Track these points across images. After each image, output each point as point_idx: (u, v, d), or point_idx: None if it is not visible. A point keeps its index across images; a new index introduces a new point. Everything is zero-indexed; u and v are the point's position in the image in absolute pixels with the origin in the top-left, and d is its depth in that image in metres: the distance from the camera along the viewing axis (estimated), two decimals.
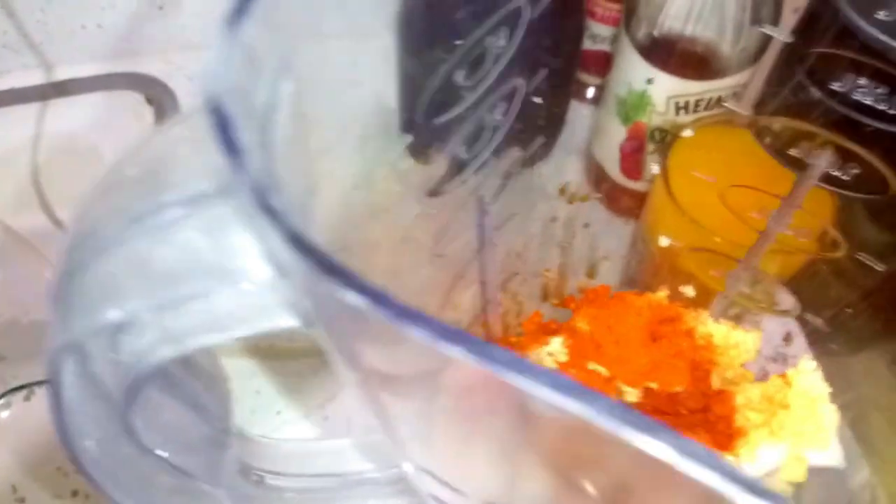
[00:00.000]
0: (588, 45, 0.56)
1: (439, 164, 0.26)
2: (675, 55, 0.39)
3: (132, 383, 0.18)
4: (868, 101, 0.30)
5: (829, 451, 0.37)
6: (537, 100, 0.32)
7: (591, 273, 0.42)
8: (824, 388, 0.37)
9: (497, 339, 0.40)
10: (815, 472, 0.38)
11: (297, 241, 0.13)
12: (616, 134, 0.43)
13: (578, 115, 0.50)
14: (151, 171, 0.17)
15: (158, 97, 0.69)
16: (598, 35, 0.55)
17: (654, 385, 0.38)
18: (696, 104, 0.41)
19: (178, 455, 0.24)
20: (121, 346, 0.18)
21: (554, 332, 0.41)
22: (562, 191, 0.37)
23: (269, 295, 0.16)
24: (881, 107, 0.30)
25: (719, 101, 0.41)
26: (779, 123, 0.34)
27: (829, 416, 0.37)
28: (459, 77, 0.24)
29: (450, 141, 0.26)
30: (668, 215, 0.39)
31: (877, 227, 0.35)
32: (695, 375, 0.38)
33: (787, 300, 0.39)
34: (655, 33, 0.40)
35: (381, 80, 0.22)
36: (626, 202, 0.44)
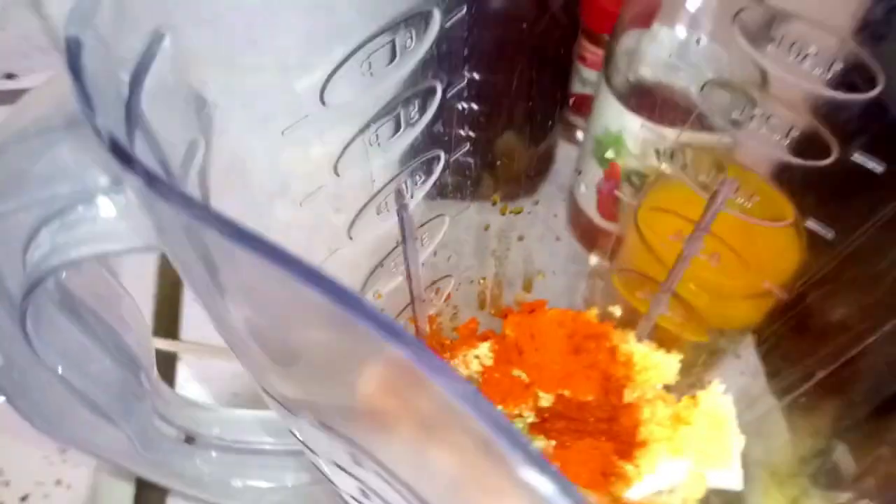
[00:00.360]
0: (578, 88, 0.59)
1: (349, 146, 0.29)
2: (647, 101, 0.41)
3: (28, 287, 0.21)
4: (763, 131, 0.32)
5: (730, 473, 0.38)
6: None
7: (528, 286, 0.45)
8: (731, 411, 0.39)
9: (426, 337, 0.42)
10: (717, 493, 0.39)
11: (120, 152, 0.16)
12: (594, 174, 0.45)
13: (569, 157, 0.52)
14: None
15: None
16: (587, 80, 0.58)
17: (566, 392, 0.40)
18: (674, 153, 0.39)
19: (87, 385, 0.27)
20: (26, 260, 0.21)
21: (485, 339, 0.43)
22: (494, 201, 0.40)
23: (130, 217, 0.19)
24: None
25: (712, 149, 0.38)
26: (690, 151, 0.36)
27: (733, 439, 0.38)
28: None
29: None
30: (631, 244, 0.41)
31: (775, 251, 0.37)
32: (606, 388, 0.40)
33: (703, 326, 0.41)
34: (630, 78, 0.42)
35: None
36: (601, 242, 0.47)
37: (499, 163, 0.40)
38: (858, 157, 0.29)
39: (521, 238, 0.41)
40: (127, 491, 0.49)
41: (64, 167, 0.19)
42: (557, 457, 0.37)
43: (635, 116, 0.42)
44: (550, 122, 0.48)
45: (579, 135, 0.58)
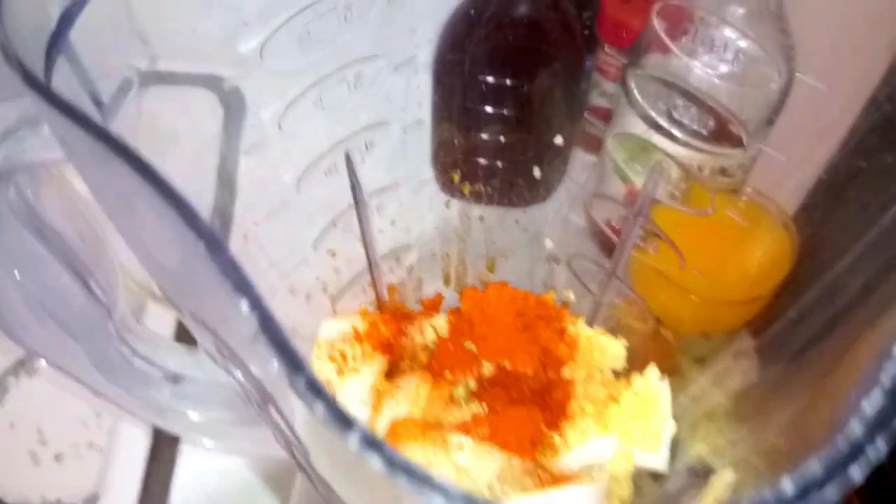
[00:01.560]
0: (597, 100, 0.61)
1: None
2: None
3: None
4: (685, 121, 0.34)
5: (657, 455, 0.40)
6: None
7: (490, 266, 0.47)
8: (663, 395, 0.41)
9: (383, 303, 0.45)
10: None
11: (25, 72, 0.19)
12: (616, 188, 0.43)
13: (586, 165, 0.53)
14: None
15: (231, 100, 0.80)
16: (606, 91, 0.60)
17: (507, 364, 0.42)
18: (699, 169, 0.39)
19: (44, 296, 0.31)
20: None
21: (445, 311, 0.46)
22: (452, 179, 0.42)
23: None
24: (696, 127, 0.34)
25: (723, 171, 0.39)
26: (629, 141, 0.38)
27: (663, 423, 0.40)
28: None
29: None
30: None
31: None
32: (545, 363, 0.42)
33: (645, 314, 0.42)
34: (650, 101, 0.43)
35: None
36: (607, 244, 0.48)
37: (508, 166, 0.43)
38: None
39: (481, 218, 0.44)
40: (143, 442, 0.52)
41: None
42: (489, 421, 0.39)
43: (655, 133, 0.39)
44: (563, 130, 0.50)
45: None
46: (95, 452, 0.58)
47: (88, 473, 0.56)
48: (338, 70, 0.33)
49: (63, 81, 0.22)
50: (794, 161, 0.34)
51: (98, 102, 0.24)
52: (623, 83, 0.40)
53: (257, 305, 0.14)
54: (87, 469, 0.57)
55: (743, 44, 0.32)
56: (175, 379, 0.38)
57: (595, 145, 0.45)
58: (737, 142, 0.35)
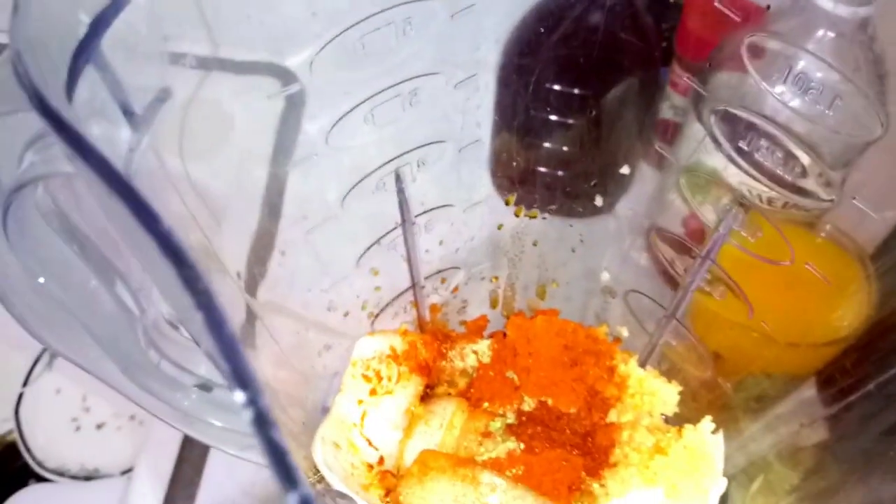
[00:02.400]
0: (668, 114, 0.58)
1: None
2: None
3: (12, 189, 0.24)
4: (767, 164, 0.31)
5: None
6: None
7: (542, 294, 0.45)
8: (716, 451, 0.38)
9: (424, 323, 0.43)
10: None
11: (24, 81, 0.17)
12: (678, 210, 0.40)
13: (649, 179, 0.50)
14: None
15: (292, 89, 0.79)
16: (677, 106, 0.57)
17: (549, 401, 0.40)
18: (770, 200, 0.35)
19: (70, 298, 0.30)
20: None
21: (489, 336, 0.44)
22: (508, 202, 0.40)
23: None
24: (779, 171, 0.31)
25: (797, 205, 0.35)
26: (703, 177, 0.35)
27: (713, 480, 0.37)
28: None
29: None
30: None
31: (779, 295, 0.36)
32: (591, 403, 0.39)
33: (705, 361, 0.39)
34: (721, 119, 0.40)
35: None
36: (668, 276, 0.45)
37: (567, 191, 0.40)
38: None
39: (535, 244, 0.42)
40: None
41: None
42: (524, 461, 0.37)
43: (722, 158, 0.36)
44: (630, 156, 0.47)
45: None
46: (136, 425, 0.58)
47: (127, 445, 0.57)
48: (393, 86, 0.31)
49: (89, 92, 0.21)
50: (888, 218, 0.30)
51: (129, 113, 0.23)
52: (698, 114, 0.37)
53: (254, 400, 0.12)
54: (126, 441, 0.57)
55: (841, 86, 0.28)
56: (206, 387, 0.37)
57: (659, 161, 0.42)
58: (819, 196, 0.31)
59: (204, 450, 0.54)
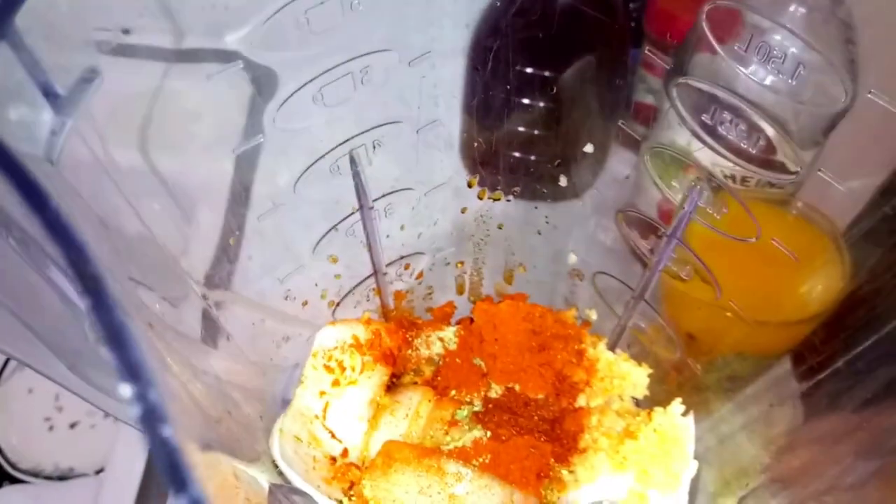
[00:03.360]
0: (642, 97, 0.57)
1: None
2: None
3: None
4: (731, 137, 0.30)
5: (674, 498, 0.36)
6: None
7: (509, 278, 0.44)
8: (688, 434, 0.37)
9: (388, 311, 0.42)
10: None
11: None
12: (652, 194, 0.38)
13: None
14: None
15: (261, 79, 0.77)
16: (652, 88, 0.55)
17: (517, 387, 0.39)
18: (744, 179, 0.35)
19: (10, 297, 0.28)
20: None
21: (456, 323, 0.43)
22: (470, 184, 0.39)
23: None
24: (743, 144, 0.30)
25: (770, 183, 0.34)
26: (668, 153, 0.34)
27: (684, 463, 0.36)
28: None
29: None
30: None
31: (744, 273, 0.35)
32: (559, 389, 0.38)
33: (674, 342, 0.39)
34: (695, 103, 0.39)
35: None
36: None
37: (532, 172, 0.39)
38: None
39: (500, 227, 0.41)
40: None
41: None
42: (490, 449, 0.36)
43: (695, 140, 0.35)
44: (595, 134, 0.46)
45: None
46: (110, 423, 0.57)
47: (102, 444, 0.56)
48: (342, 63, 0.30)
49: (4, 72, 0.19)
50: (853, 189, 0.30)
51: (52, 94, 0.21)
52: (665, 90, 0.36)
53: (142, 395, 0.11)
54: (100, 439, 0.56)
55: (805, 55, 0.27)
56: None
57: (635, 145, 0.41)
58: (785, 168, 0.30)
59: None
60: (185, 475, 0.11)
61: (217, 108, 0.30)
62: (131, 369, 0.11)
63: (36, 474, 0.55)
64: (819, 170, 0.29)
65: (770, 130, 0.29)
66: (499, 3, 0.36)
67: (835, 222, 0.37)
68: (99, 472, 0.54)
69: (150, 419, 0.11)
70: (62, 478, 0.55)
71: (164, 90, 0.27)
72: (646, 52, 0.52)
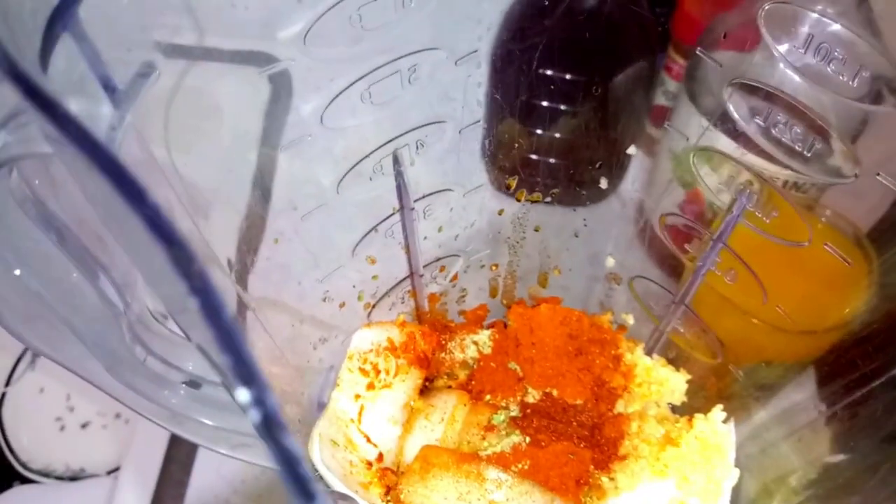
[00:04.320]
0: (661, 100, 0.56)
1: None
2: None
3: None
4: (785, 140, 0.30)
5: None
6: None
7: (544, 281, 0.43)
8: (729, 442, 0.36)
9: (423, 314, 0.42)
10: None
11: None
12: (675, 195, 0.39)
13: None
14: None
15: (278, 78, 0.77)
16: (670, 92, 0.55)
17: (554, 392, 0.38)
18: (785, 183, 0.34)
19: (48, 291, 0.28)
20: None
21: (489, 326, 0.42)
22: (509, 186, 0.38)
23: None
24: (797, 147, 0.29)
25: (796, 185, 0.35)
26: (717, 157, 0.34)
27: (726, 471, 0.36)
28: None
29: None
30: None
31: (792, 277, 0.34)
32: (598, 394, 0.38)
33: (715, 347, 0.38)
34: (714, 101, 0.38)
35: None
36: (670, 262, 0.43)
37: (571, 174, 0.39)
38: None
39: (537, 229, 0.40)
40: None
41: None
42: (530, 455, 0.35)
43: (720, 137, 0.35)
44: (625, 131, 0.46)
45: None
46: (121, 423, 0.57)
47: (113, 444, 0.55)
48: (391, 62, 0.29)
49: (66, 64, 0.19)
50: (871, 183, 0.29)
51: (111, 88, 0.21)
52: (688, 86, 0.35)
53: (261, 400, 0.10)
54: (112, 439, 0.56)
55: (861, 50, 0.27)
56: (194, 384, 0.35)
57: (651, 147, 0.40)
58: (839, 172, 0.30)
59: (192, 448, 0.52)
60: (312, 487, 0.10)
61: (237, 108, 0.29)
62: (246, 372, 0.10)
63: (47, 474, 0.55)
64: (878, 174, 0.28)
65: (832, 130, 0.28)
66: (522, 6, 0.35)
67: (859, 227, 0.36)
68: (110, 472, 0.54)
69: (271, 425, 0.10)
70: (73, 478, 0.55)
71: (183, 89, 0.26)
72: (668, 55, 0.52)
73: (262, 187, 0.30)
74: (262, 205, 0.31)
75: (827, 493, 0.31)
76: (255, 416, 0.10)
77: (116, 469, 0.53)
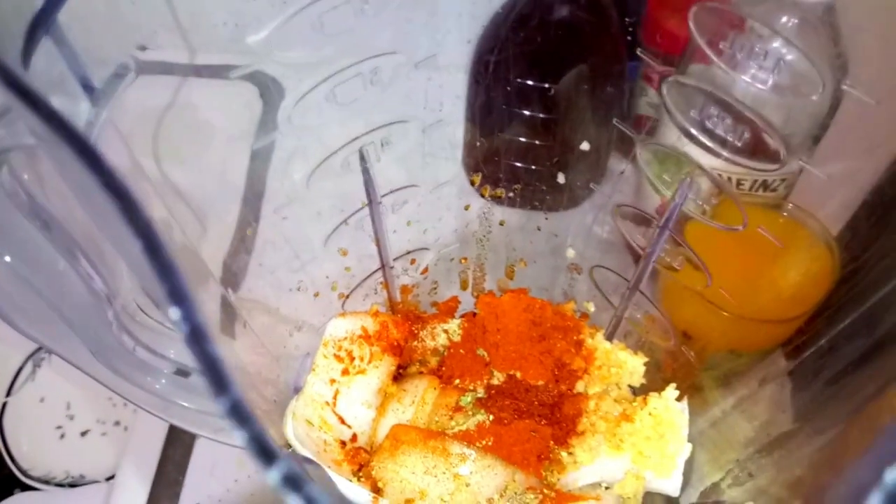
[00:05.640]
0: (644, 110, 0.59)
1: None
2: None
3: None
4: (718, 131, 0.32)
5: (670, 481, 0.38)
6: None
7: (511, 273, 0.46)
8: (681, 417, 0.39)
9: (395, 304, 0.44)
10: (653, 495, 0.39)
11: None
12: (651, 200, 0.41)
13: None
14: None
15: (270, 94, 0.80)
16: (653, 102, 0.57)
17: (518, 374, 0.40)
18: (738, 183, 0.38)
19: (37, 279, 0.30)
20: None
21: (460, 317, 0.45)
22: (473, 182, 0.41)
23: None
24: (729, 137, 0.32)
25: (765, 185, 0.38)
26: (660, 150, 0.36)
27: (679, 446, 0.38)
28: None
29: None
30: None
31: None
32: (558, 376, 0.40)
33: (671, 332, 0.40)
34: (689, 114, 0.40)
35: None
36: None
37: (531, 170, 0.41)
38: None
39: (502, 223, 0.43)
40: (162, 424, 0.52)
41: None
42: (493, 432, 0.38)
43: (697, 149, 0.36)
44: (591, 136, 0.48)
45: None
46: (120, 430, 0.58)
47: (112, 451, 0.57)
48: (353, 64, 0.32)
49: (46, 64, 0.21)
50: (839, 179, 0.32)
51: (88, 87, 0.24)
52: (658, 91, 0.38)
53: (188, 316, 0.13)
54: (111, 446, 0.57)
55: (786, 52, 0.29)
56: (183, 372, 0.37)
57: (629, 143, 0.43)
58: (774, 156, 0.32)
59: (187, 449, 0.54)
60: (227, 379, 0.12)
61: (228, 117, 0.32)
62: (178, 294, 0.13)
63: (47, 481, 0.56)
64: (801, 159, 0.31)
65: (756, 122, 0.30)
66: (495, 18, 0.38)
67: (825, 224, 0.39)
68: (109, 478, 0.55)
69: (196, 335, 0.12)
70: (73, 485, 0.56)
71: (177, 102, 0.29)
72: (643, 63, 0.54)
73: (250, 192, 0.33)
74: (245, 206, 0.33)
75: (768, 448, 0.33)
76: (184, 327, 0.13)
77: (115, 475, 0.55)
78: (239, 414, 0.12)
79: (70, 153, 0.15)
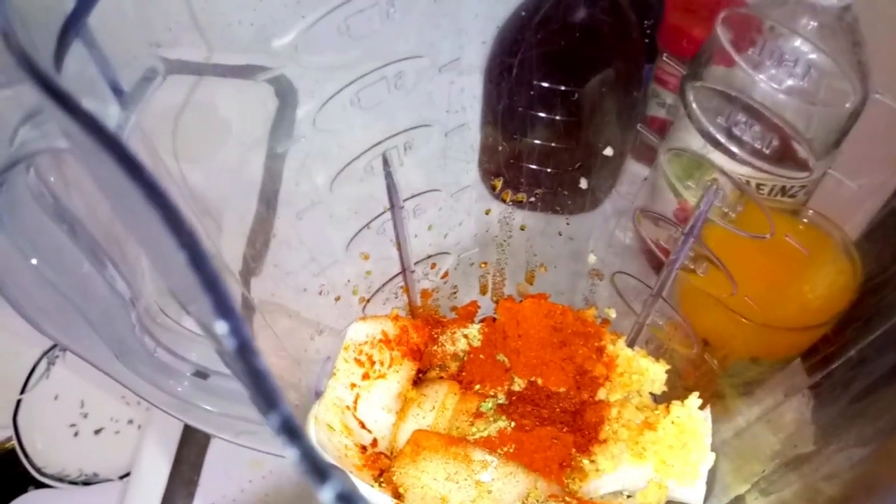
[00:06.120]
0: (655, 111, 0.58)
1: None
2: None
3: (2, 167, 0.24)
4: (746, 138, 0.32)
5: (692, 490, 0.37)
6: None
7: (531, 278, 0.45)
8: (704, 426, 0.38)
9: (415, 308, 0.44)
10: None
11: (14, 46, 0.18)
12: (668, 202, 0.41)
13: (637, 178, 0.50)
14: None
15: (284, 92, 0.80)
16: (666, 103, 0.57)
17: (539, 380, 0.40)
18: (758, 187, 0.36)
19: (62, 281, 0.30)
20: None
21: (480, 322, 0.45)
22: (494, 186, 0.40)
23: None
24: (756, 145, 0.32)
25: (783, 190, 0.37)
26: (684, 156, 0.36)
27: (702, 455, 0.38)
28: None
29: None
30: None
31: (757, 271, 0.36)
32: (580, 382, 0.40)
33: (692, 338, 0.40)
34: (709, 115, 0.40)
35: None
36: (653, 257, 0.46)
37: (552, 174, 0.41)
38: None
39: (522, 228, 0.42)
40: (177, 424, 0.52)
41: None
42: (515, 438, 0.37)
43: (721, 155, 0.36)
44: (614, 141, 0.48)
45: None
46: (134, 429, 0.58)
47: (126, 449, 0.57)
48: (378, 68, 0.31)
49: (77, 67, 0.21)
50: (862, 186, 0.31)
51: (118, 90, 0.24)
52: (681, 95, 0.37)
53: (235, 330, 0.13)
54: (124, 445, 0.57)
55: (815, 57, 0.29)
56: (202, 374, 0.37)
57: (651, 157, 0.42)
58: (801, 164, 0.32)
59: (202, 449, 0.54)
60: (276, 394, 0.12)
61: (247, 118, 0.32)
62: (224, 308, 0.12)
63: (61, 479, 0.56)
64: (829, 168, 0.30)
65: (785, 129, 0.30)
66: (513, 20, 0.38)
67: (844, 230, 0.38)
68: (123, 476, 0.55)
69: (245, 351, 0.12)
70: (87, 482, 0.56)
71: (196, 101, 0.29)
72: (660, 64, 0.54)
73: (266, 191, 0.33)
74: (266, 207, 0.33)
75: (795, 462, 0.33)
76: (230, 343, 0.12)
77: (129, 473, 0.54)
78: (290, 430, 0.12)
79: (109, 160, 0.15)
